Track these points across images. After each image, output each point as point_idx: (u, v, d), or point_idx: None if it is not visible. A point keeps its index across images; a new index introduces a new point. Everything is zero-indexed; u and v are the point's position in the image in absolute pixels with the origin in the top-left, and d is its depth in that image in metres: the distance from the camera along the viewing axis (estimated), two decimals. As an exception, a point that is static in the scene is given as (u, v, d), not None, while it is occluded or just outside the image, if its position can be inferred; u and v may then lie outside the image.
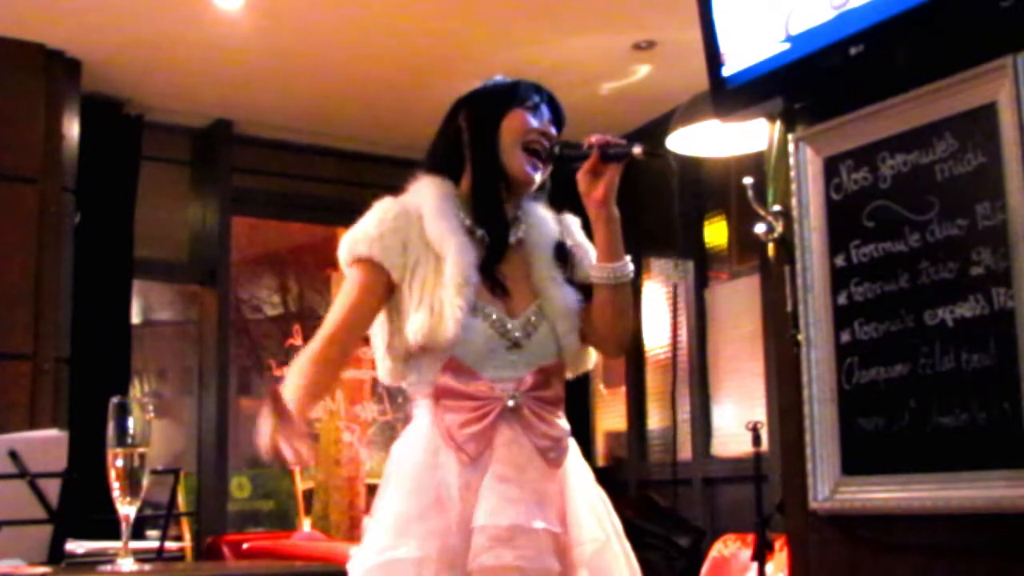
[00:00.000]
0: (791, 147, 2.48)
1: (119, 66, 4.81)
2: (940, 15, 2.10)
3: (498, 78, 2.20)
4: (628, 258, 2.08)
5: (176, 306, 6.17)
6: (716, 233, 5.35)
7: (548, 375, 2.03)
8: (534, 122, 2.09)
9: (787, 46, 2.38)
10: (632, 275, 2.08)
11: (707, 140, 3.79)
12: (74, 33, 4.51)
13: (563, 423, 2.05)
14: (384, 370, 2.06)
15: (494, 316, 1.99)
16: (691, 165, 5.06)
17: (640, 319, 5.71)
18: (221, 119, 5.46)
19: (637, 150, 2.01)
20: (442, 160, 2.12)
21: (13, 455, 2.13)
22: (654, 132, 4.93)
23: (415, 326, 1.94)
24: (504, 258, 2.05)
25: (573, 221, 2.20)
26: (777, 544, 3.59)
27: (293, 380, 1.91)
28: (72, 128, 4.73)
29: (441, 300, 1.93)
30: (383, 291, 2.00)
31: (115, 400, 1.63)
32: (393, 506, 1.94)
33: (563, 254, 2.12)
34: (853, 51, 2.23)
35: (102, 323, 4.89)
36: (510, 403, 1.96)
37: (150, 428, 1.64)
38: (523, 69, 4.61)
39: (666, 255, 5.67)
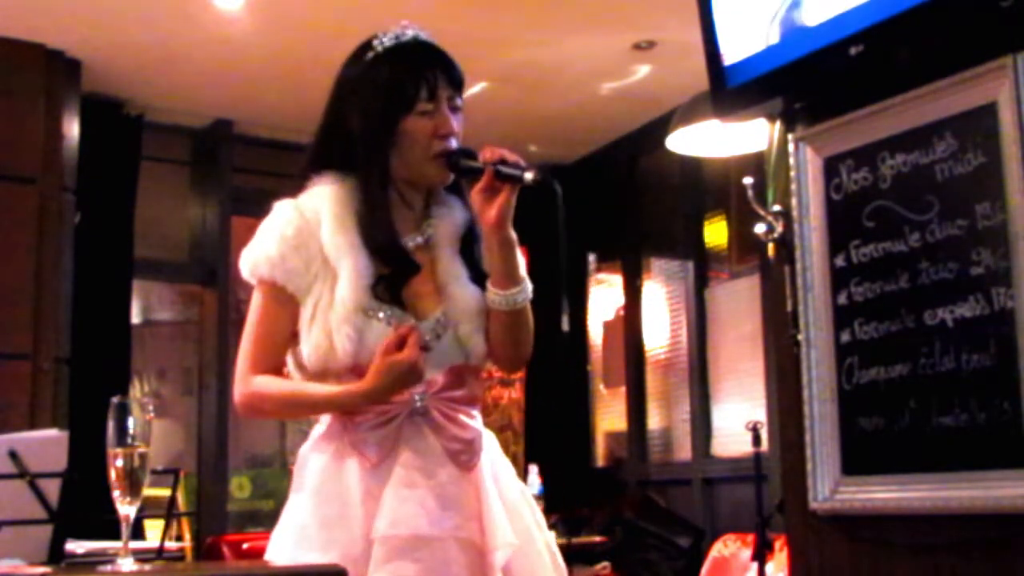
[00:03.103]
0: (791, 147, 2.48)
1: (119, 66, 4.81)
2: (940, 15, 2.10)
3: (386, 38, 2.04)
4: (526, 282, 1.96)
5: (176, 306, 6.17)
6: (716, 233, 5.35)
7: (461, 374, 1.95)
8: (432, 125, 1.94)
9: (787, 46, 2.38)
10: (529, 298, 1.96)
11: (707, 140, 3.79)
12: (74, 33, 4.51)
13: (476, 424, 1.96)
14: (296, 379, 1.98)
15: (396, 321, 1.89)
16: (691, 165, 5.07)
17: (640, 317, 5.71)
18: (221, 119, 5.46)
19: (529, 176, 1.87)
20: (339, 159, 1.98)
21: (13, 455, 2.13)
22: (654, 132, 4.94)
23: (308, 349, 1.89)
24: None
25: None
26: (777, 544, 3.59)
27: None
28: (72, 128, 4.73)
29: (332, 326, 1.87)
30: (290, 312, 1.92)
31: (115, 400, 1.62)
32: (297, 514, 1.89)
33: (469, 247, 2.01)
34: (853, 51, 2.23)
35: (102, 323, 4.89)
36: (417, 404, 1.89)
37: (150, 428, 1.63)
38: (523, 69, 4.64)
39: (666, 255, 5.67)
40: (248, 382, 1.94)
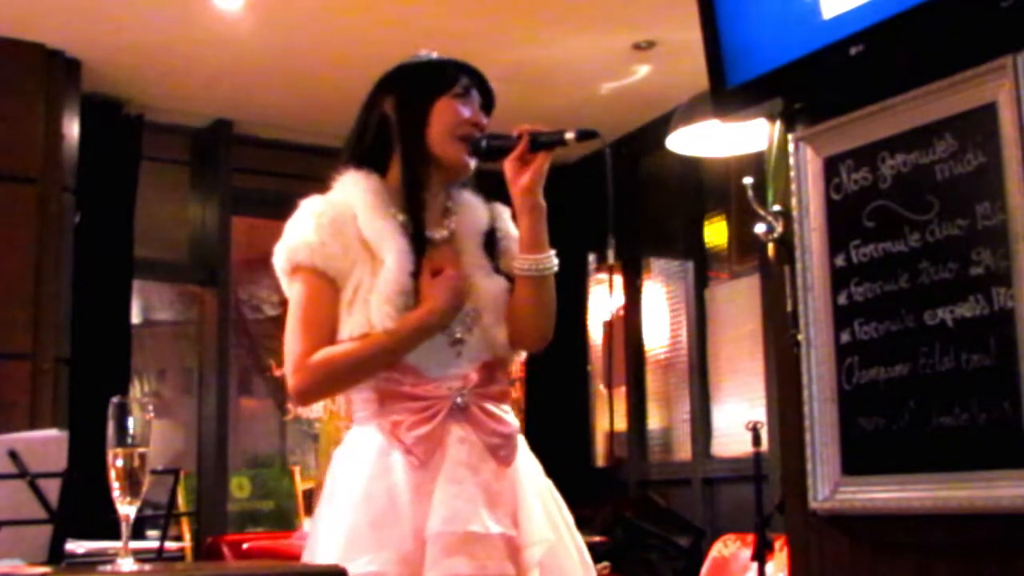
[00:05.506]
0: (791, 147, 2.48)
1: (119, 66, 4.81)
2: (940, 15, 2.10)
3: (422, 54, 2.09)
4: (552, 251, 2.00)
5: (176, 306, 6.16)
6: (716, 233, 5.35)
7: (492, 370, 1.97)
8: (465, 111, 2.02)
9: (787, 46, 2.38)
10: (556, 268, 2.01)
11: (707, 140, 3.79)
12: (74, 33, 4.51)
13: (512, 419, 1.98)
14: None
15: None
16: (691, 165, 5.07)
17: (640, 317, 5.71)
18: (221, 119, 5.46)
19: (570, 135, 1.95)
20: (368, 151, 2.04)
21: (13, 455, 2.13)
22: (654, 132, 4.94)
23: (347, 331, 1.90)
24: (437, 252, 1.99)
25: (503, 210, 2.11)
26: (777, 544, 3.59)
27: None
28: (72, 128, 4.73)
29: (371, 307, 1.88)
30: (332, 298, 1.93)
31: (115, 400, 1.62)
32: (343, 517, 1.86)
33: (492, 243, 2.06)
34: (853, 51, 2.23)
35: (102, 323, 4.89)
36: (458, 401, 1.90)
37: (150, 428, 1.63)
38: (523, 69, 4.64)
39: (666, 255, 5.67)
40: (306, 364, 1.91)
